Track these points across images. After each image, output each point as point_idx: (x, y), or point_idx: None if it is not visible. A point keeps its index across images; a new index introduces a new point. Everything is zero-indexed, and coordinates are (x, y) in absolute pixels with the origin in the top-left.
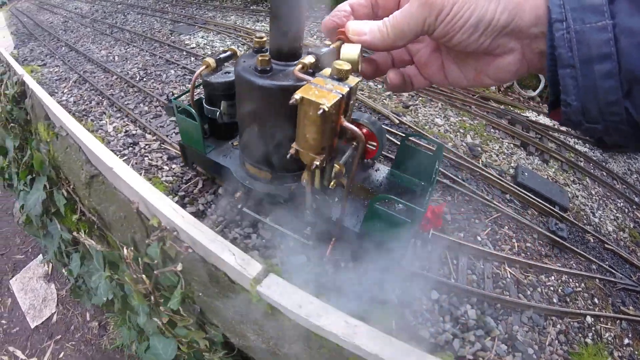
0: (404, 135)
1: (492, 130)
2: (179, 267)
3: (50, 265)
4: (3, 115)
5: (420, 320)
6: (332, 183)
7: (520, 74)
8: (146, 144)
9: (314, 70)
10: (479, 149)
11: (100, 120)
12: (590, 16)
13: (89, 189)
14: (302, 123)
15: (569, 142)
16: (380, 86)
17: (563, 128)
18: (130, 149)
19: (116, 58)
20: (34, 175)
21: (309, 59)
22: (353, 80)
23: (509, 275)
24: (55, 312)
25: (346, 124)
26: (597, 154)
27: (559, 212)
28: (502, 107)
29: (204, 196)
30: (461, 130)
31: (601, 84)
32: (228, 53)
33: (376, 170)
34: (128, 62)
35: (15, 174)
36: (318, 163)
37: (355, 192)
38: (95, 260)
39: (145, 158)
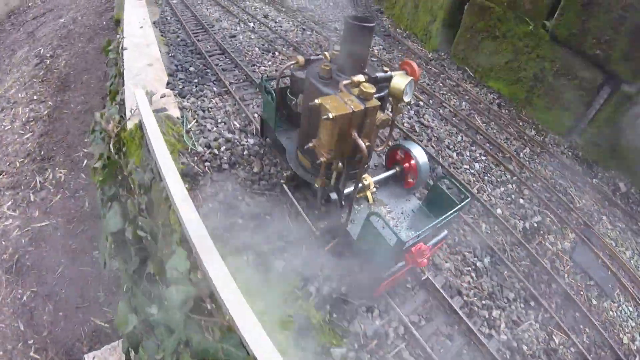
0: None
1: None
2: None
3: None
4: None
5: None
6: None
7: None
8: None
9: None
10: None
11: None
12: None
13: None
14: (320, 123)
15: None
16: None
17: None
18: None
19: None
20: None
21: (358, 78)
22: (373, 102)
23: None
24: None
25: (355, 136)
26: None
27: None
28: None
29: None
30: None
31: None
32: (320, 57)
33: (406, 200)
34: None
35: None
36: (324, 159)
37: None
38: None
39: None
